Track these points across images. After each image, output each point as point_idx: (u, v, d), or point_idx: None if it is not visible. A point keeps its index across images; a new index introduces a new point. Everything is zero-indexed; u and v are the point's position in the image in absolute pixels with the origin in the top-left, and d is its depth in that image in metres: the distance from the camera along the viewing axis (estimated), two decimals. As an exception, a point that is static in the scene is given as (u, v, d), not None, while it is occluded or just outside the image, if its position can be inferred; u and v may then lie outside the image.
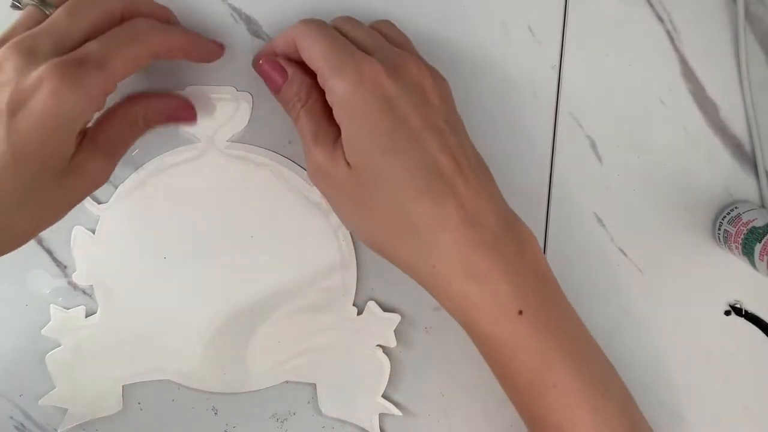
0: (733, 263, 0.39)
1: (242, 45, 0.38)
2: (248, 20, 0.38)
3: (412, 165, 0.31)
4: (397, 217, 0.31)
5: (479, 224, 0.31)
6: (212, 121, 0.38)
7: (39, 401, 0.39)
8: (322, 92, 0.33)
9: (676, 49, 0.39)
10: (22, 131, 0.29)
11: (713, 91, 0.39)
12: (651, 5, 0.38)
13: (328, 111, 0.33)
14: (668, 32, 0.39)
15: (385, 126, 0.31)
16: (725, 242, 0.38)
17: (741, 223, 0.37)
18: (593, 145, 0.39)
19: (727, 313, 0.40)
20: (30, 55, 0.29)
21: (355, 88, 0.31)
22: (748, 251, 0.36)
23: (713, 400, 0.41)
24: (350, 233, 0.38)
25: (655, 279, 0.40)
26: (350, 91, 0.31)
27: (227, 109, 0.38)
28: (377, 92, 0.31)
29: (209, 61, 0.36)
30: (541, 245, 0.40)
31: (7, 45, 0.30)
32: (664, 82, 0.39)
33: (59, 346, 0.38)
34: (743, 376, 0.40)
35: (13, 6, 0.33)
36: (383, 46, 0.33)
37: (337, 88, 0.31)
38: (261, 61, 0.34)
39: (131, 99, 0.35)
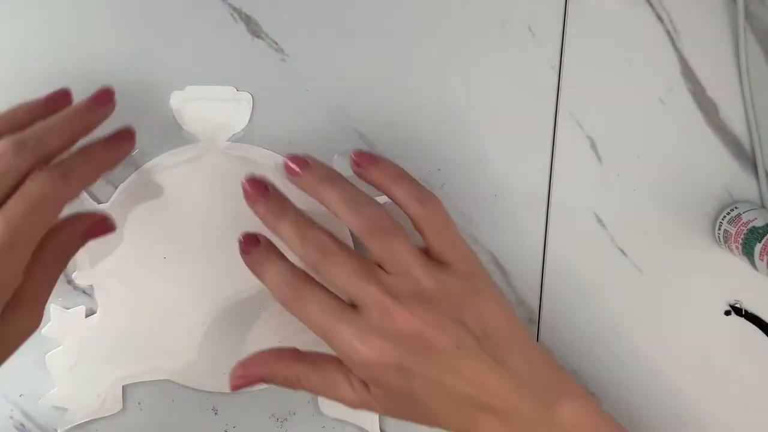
0: (733, 263, 0.39)
1: (242, 45, 0.38)
2: (248, 20, 0.38)
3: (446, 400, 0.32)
4: None
5: (506, 412, 0.32)
6: (212, 121, 0.38)
7: (39, 401, 0.39)
8: None
9: (676, 49, 0.39)
10: None
11: (713, 91, 0.39)
12: (651, 5, 0.38)
13: None
14: (668, 32, 0.39)
15: (401, 389, 0.32)
16: (725, 242, 0.38)
17: (741, 223, 0.37)
18: (593, 145, 0.39)
19: (727, 313, 0.40)
20: None
21: (367, 366, 0.31)
22: (748, 251, 0.36)
23: (713, 400, 0.41)
24: None
25: (655, 279, 0.40)
26: (363, 368, 0.32)
27: (227, 109, 0.38)
28: (389, 371, 0.31)
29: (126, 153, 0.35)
30: (541, 245, 0.40)
31: None
32: (664, 82, 0.39)
33: (59, 346, 0.38)
34: (743, 376, 0.40)
35: None
36: (404, 284, 0.32)
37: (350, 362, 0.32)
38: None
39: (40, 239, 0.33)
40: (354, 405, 0.33)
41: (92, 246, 0.38)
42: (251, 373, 0.34)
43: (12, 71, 0.38)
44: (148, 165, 0.38)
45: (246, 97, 0.38)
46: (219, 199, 0.38)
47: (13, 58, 0.38)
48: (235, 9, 0.38)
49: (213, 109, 0.38)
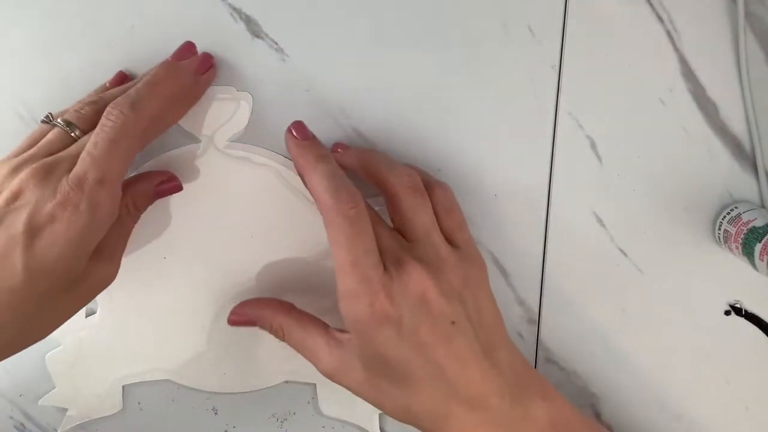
0: (733, 263, 0.39)
1: (242, 45, 0.38)
2: (248, 20, 0.38)
3: (426, 378, 0.32)
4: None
5: (484, 407, 0.32)
6: (212, 121, 0.38)
7: (39, 401, 0.39)
8: None
9: (676, 49, 0.39)
10: (39, 255, 0.30)
11: (713, 91, 0.39)
12: (651, 5, 0.38)
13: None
14: (668, 32, 0.39)
15: (392, 351, 0.32)
16: (725, 242, 0.38)
17: (741, 223, 0.37)
18: (593, 145, 0.39)
19: (727, 313, 0.40)
20: (49, 181, 0.31)
21: (362, 321, 0.32)
22: (748, 251, 0.36)
23: (713, 400, 0.41)
24: None
25: (655, 279, 0.40)
26: (357, 323, 0.32)
27: (227, 109, 0.38)
28: (382, 323, 0.32)
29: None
30: (541, 245, 0.40)
31: (29, 167, 0.31)
32: (664, 82, 0.39)
33: (59, 346, 0.38)
34: (743, 376, 0.40)
35: (44, 121, 0.34)
36: (403, 248, 0.34)
37: (345, 314, 0.32)
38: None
39: None
40: (327, 370, 0.33)
41: None
42: (244, 313, 0.36)
43: (12, 72, 0.38)
44: (148, 165, 0.38)
45: (246, 97, 0.38)
46: (219, 199, 0.38)
47: (13, 59, 0.38)
48: (235, 9, 0.38)
49: (213, 109, 0.38)
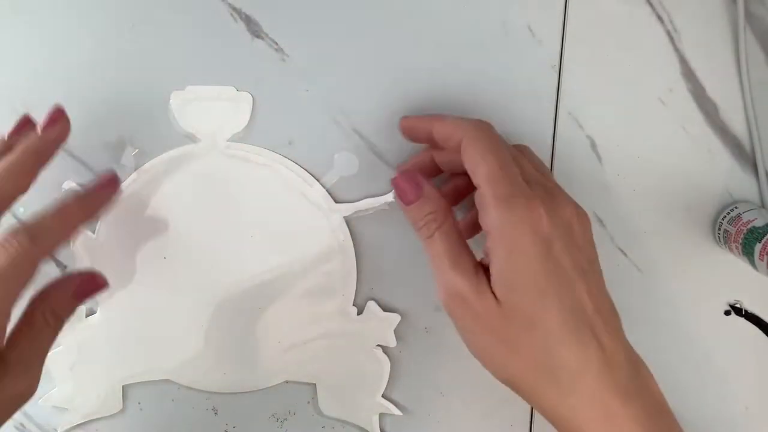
0: (733, 263, 0.39)
1: (242, 45, 0.38)
2: (248, 20, 0.38)
3: (564, 308, 0.31)
4: (543, 358, 0.31)
5: (616, 367, 0.31)
6: (212, 121, 0.38)
7: (39, 401, 0.39)
8: (455, 216, 0.33)
9: (676, 49, 0.39)
10: None
11: (713, 91, 0.39)
12: (651, 5, 0.38)
13: (461, 236, 0.33)
14: (668, 32, 0.39)
15: (542, 266, 0.30)
16: (725, 242, 0.38)
17: (741, 223, 0.37)
18: (593, 145, 0.39)
19: (727, 313, 0.40)
20: None
21: (518, 225, 0.30)
22: (748, 251, 0.36)
23: (713, 400, 0.41)
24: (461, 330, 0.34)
25: (655, 279, 0.40)
26: (512, 227, 0.30)
27: (227, 109, 0.38)
28: (537, 232, 0.30)
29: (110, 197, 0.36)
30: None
31: None
32: (664, 82, 0.39)
33: (59, 346, 0.38)
34: (743, 376, 0.40)
35: None
36: (539, 179, 0.33)
37: (500, 220, 0.31)
38: (396, 176, 0.34)
39: (30, 302, 0.33)
40: (459, 286, 0.32)
41: (93, 246, 0.38)
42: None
43: (12, 72, 0.38)
44: (148, 165, 0.38)
45: (246, 97, 0.38)
46: (219, 200, 0.38)
47: (13, 59, 0.38)
48: (235, 9, 0.38)
49: (213, 109, 0.38)
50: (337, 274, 0.38)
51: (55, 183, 0.38)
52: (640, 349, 0.41)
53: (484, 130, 0.33)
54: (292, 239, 0.38)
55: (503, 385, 0.33)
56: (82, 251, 0.38)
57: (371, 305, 0.39)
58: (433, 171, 0.37)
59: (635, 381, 0.32)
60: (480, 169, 0.31)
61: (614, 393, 0.31)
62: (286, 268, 0.38)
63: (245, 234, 0.38)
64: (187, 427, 0.40)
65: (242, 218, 0.38)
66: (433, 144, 0.36)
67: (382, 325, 0.39)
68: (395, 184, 0.34)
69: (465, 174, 0.33)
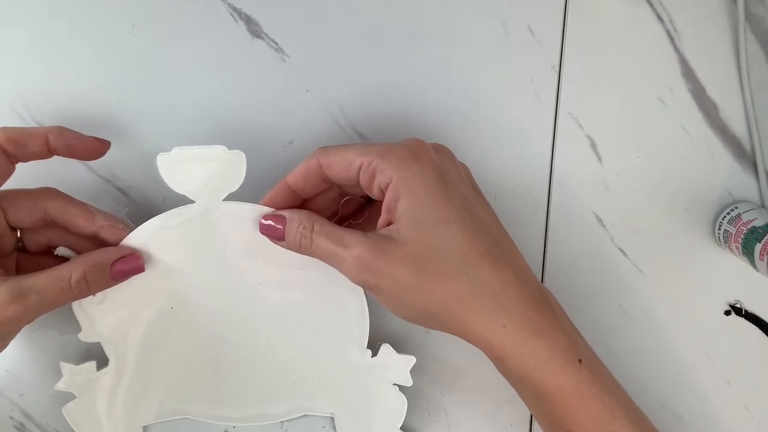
0: (733, 263, 0.39)
1: (242, 45, 0.38)
2: (248, 20, 0.38)
3: (471, 231, 0.32)
4: (464, 281, 0.31)
5: (527, 282, 0.33)
6: (206, 184, 0.35)
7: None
8: (321, 216, 0.34)
9: (676, 49, 0.39)
10: None
11: (713, 91, 0.39)
12: (651, 5, 0.38)
13: (336, 224, 0.33)
14: (668, 32, 0.39)
15: (443, 196, 0.32)
16: (725, 242, 0.38)
17: (741, 223, 0.37)
18: (593, 145, 0.39)
19: (727, 313, 0.40)
20: None
21: (410, 163, 0.31)
22: (748, 251, 0.36)
23: (713, 400, 0.41)
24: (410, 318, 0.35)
25: (655, 279, 0.40)
26: (405, 167, 0.31)
27: (221, 170, 0.35)
28: (430, 165, 0.32)
29: (95, 158, 0.35)
30: (541, 245, 0.40)
31: None
32: (664, 82, 0.39)
33: (76, 398, 0.37)
34: (743, 376, 0.40)
35: None
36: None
37: (392, 168, 0.31)
38: (260, 225, 0.35)
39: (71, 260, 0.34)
40: (360, 256, 0.32)
41: (93, 305, 0.36)
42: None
43: (12, 72, 0.38)
44: (144, 228, 0.36)
45: (239, 156, 0.35)
46: (221, 254, 0.37)
47: (13, 59, 0.38)
48: (235, 9, 0.38)
49: (205, 171, 0.35)
50: (352, 321, 0.37)
51: (55, 183, 0.37)
52: (640, 349, 0.41)
53: (327, 146, 0.34)
54: (298, 282, 0.37)
55: (475, 359, 0.34)
56: (82, 311, 0.36)
57: (385, 348, 0.38)
58: (290, 200, 0.35)
59: (543, 294, 0.33)
60: (348, 156, 0.32)
61: (533, 305, 0.32)
62: (296, 313, 0.38)
63: (253, 282, 0.37)
64: (188, 426, 0.40)
65: (246, 268, 0.37)
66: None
67: (398, 366, 0.38)
68: (263, 232, 0.35)
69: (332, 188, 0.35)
